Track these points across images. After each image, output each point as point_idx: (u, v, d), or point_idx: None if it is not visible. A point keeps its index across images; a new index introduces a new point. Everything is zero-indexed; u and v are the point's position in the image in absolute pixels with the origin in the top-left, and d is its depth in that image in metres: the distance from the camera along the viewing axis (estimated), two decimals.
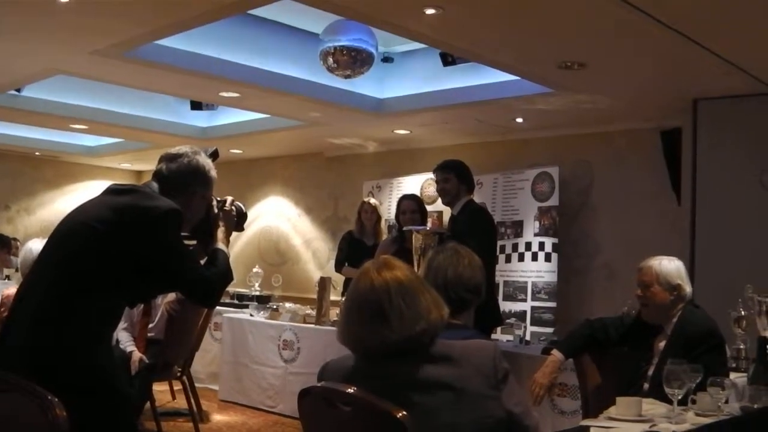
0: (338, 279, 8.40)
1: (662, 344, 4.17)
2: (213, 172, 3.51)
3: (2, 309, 5.73)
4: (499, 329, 6.92)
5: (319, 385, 2.63)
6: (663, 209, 7.68)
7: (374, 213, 7.76)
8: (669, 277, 4.17)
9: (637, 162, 8.11)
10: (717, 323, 4.16)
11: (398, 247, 6.60)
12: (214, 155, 3.65)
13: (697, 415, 3.36)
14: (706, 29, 5.23)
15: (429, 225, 8.51)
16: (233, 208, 3.71)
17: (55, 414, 2.19)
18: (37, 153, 12.78)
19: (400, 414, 2.36)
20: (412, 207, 6.92)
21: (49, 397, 2.26)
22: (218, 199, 3.67)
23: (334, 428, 2.60)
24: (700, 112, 6.98)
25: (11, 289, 5.94)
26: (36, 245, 5.83)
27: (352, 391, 2.48)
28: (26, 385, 2.36)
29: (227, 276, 3.39)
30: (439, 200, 8.97)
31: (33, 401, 2.28)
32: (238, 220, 3.74)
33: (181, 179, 3.37)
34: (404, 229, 6.59)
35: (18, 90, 8.80)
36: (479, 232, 5.76)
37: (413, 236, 6.27)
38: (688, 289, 4.20)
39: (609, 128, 8.25)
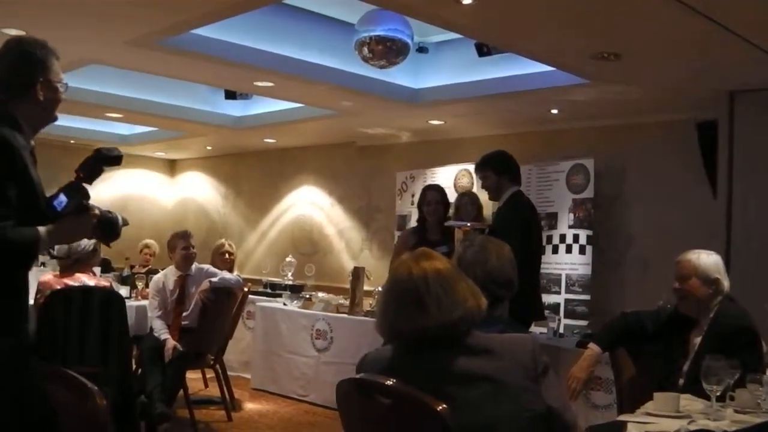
0: (371, 269, 8.41)
1: (698, 339, 4.15)
2: (42, 50, 3.16)
3: (38, 296, 5.79)
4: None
5: (358, 376, 2.63)
6: (698, 202, 7.60)
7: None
8: (708, 271, 4.14)
9: (672, 154, 8.03)
10: (752, 318, 4.12)
11: (419, 239, 6.60)
12: (115, 159, 3.39)
13: (736, 411, 3.33)
14: (743, 19, 5.16)
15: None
16: (101, 217, 3.30)
17: (95, 403, 2.21)
18: (72, 141, 12.84)
19: (441, 407, 2.36)
20: (435, 198, 6.87)
21: (89, 386, 2.27)
22: (97, 209, 3.31)
23: (373, 420, 2.60)
24: (737, 104, 6.91)
25: (47, 275, 6.00)
26: None
27: (391, 383, 2.48)
28: (65, 374, 2.38)
29: (14, 248, 2.94)
30: (474, 190, 9.03)
31: (73, 390, 2.29)
32: (105, 233, 3.33)
33: (17, 76, 3.11)
34: (446, 224, 6.60)
35: None
36: (516, 226, 5.73)
37: (455, 232, 6.29)
38: (725, 283, 4.17)
39: (644, 120, 8.17)
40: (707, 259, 4.18)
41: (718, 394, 3.30)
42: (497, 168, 6.16)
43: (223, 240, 8.89)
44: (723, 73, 6.40)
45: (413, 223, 7.72)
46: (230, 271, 8.07)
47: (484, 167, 6.22)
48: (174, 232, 7.46)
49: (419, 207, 7.03)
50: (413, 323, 2.53)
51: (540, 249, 6.30)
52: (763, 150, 6.78)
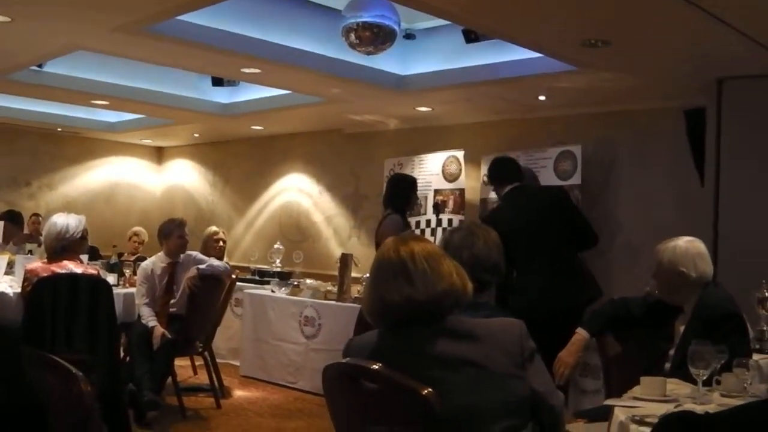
0: (359, 256, 8.42)
1: (683, 325, 4.15)
2: None
3: (26, 284, 5.77)
4: None
5: (343, 361, 2.64)
6: (686, 189, 7.62)
7: None
8: (674, 263, 4.12)
9: (660, 141, 8.05)
10: (737, 304, 4.12)
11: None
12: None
13: (723, 395, 3.34)
14: (731, 7, 5.16)
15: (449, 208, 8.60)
16: None
17: (80, 388, 2.20)
18: (58, 129, 12.80)
19: (426, 391, 2.37)
20: None
21: (73, 371, 2.27)
22: None
23: (359, 405, 2.61)
24: (725, 91, 6.91)
25: (35, 263, 5.98)
26: (60, 220, 5.89)
27: (377, 367, 2.48)
28: (49, 360, 2.37)
29: None
30: (462, 177, 9.06)
31: (58, 376, 2.29)
32: None
33: None
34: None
35: (40, 66, 8.81)
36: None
37: None
38: (707, 270, 4.13)
39: (632, 107, 8.18)
40: (677, 251, 4.14)
41: (704, 378, 3.31)
42: (489, 180, 6.60)
43: (215, 227, 8.88)
44: (711, 60, 6.41)
45: None
46: (221, 258, 8.07)
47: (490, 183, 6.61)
48: (169, 219, 7.46)
49: (409, 196, 7.18)
50: (400, 295, 2.56)
51: (522, 244, 6.11)
52: (750, 137, 6.79)
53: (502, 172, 6.45)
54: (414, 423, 2.41)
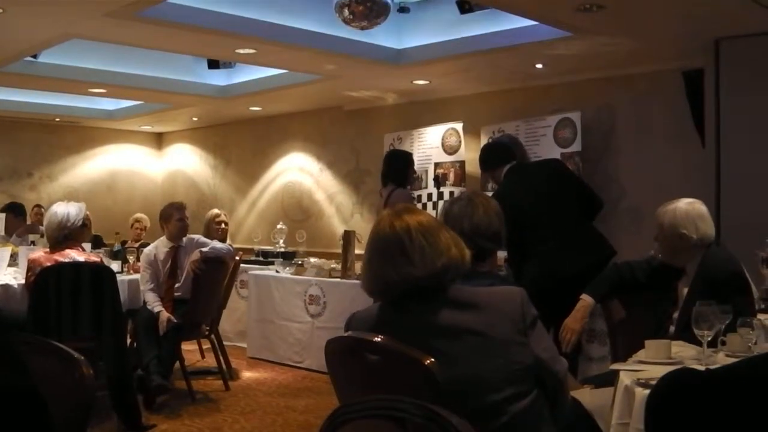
0: (363, 232, 8.41)
1: (687, 287, 4.14)
2: None
3: (29, 274, 5.77)
4: None
5: (345, 334, 2.63)
6: (687, 151, 7.59)
7: None
8: (674, 225, 4.10)
9: (659, 104, 8.01)
10: (740, 264, 4.10)
11: None
12: None
13: (728, 356, 3.33)
14: None
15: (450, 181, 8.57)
16: None
17: (81, 373, 2.20)
18: (57, 119, 12.78)
19: (428, 361, 2.36)
20: None
21: (75, 356, 2.26)
22: None
23: (362, 377, 2.60)
24: (723, 51, 6.87)
25: (37, 252, 5.98)
26: (60, 208, 5.88)
27: (379, 339, 2.47)
28: (50, 345, 2.36)
29: None
30: (462, 149, 9.05)
31: (61, 361, 2.28)
32: None
33: None
34: None
35: (34, 56, 8.77)
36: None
37: None
38: (696, 236, 4.06)
39: (630, 71, 8.14)
40: (677, 212, 4.12)
41: (709, 339, 3.30)
42: (483, 166, 6.68)
43: (217, 210, 8.87)
44: (708, 20, 6.36)
45: None
46: (223, 240, 8.06)
47: (482, 169, 6.81)
48: (169, 203, 7.48)
49: (406, 171, 7.29)
50: (398, 273, 2.54)
51: (534, 218, 6.15)
52: (748, 96, 6.76)
53: (494, 156, 6.56)
54: (417, 393, 2.41)
